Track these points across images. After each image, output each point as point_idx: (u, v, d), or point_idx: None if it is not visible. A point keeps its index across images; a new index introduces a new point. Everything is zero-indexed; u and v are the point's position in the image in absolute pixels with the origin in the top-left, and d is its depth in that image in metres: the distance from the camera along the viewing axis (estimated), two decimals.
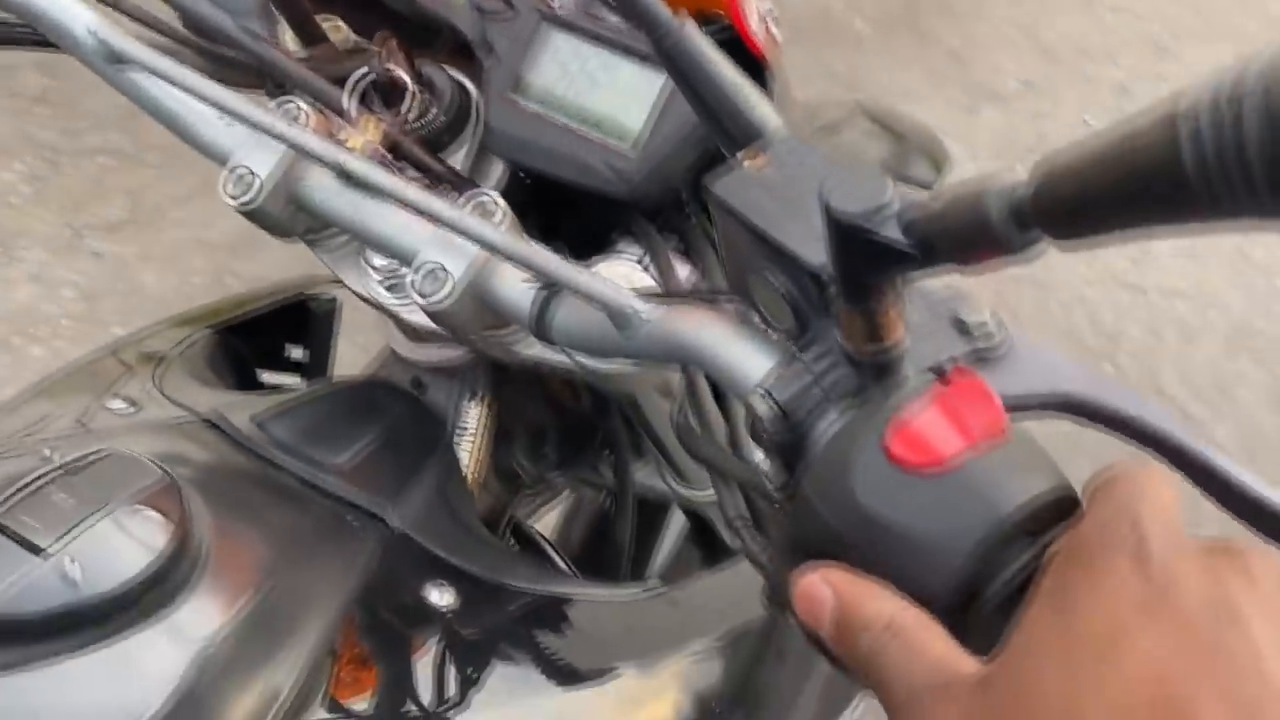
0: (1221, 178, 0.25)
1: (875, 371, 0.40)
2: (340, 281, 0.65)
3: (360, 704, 0.54)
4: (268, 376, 0.84)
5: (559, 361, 0.61)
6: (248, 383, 0.81)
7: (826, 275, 0.39)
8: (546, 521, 1.01)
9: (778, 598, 0.40)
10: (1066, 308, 2.43)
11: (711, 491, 0.87)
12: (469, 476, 0.67)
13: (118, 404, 0.62)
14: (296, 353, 0.89)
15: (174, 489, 0.50)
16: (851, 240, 0.34)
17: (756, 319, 0.44)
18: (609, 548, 0.81)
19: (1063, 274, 2.49)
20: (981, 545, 0.34)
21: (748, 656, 0.71)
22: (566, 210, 0.65)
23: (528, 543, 0.76)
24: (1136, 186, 0.27)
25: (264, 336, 0.85)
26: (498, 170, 0.64)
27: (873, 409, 0.37)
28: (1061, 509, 0.35)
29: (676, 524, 1.07)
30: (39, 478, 0.48)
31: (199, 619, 0.49)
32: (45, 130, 2.89)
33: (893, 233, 0.33)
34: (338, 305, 0.89)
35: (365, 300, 0.63)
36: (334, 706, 0.52)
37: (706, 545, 1.06)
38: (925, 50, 3.51)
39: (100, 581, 0.46)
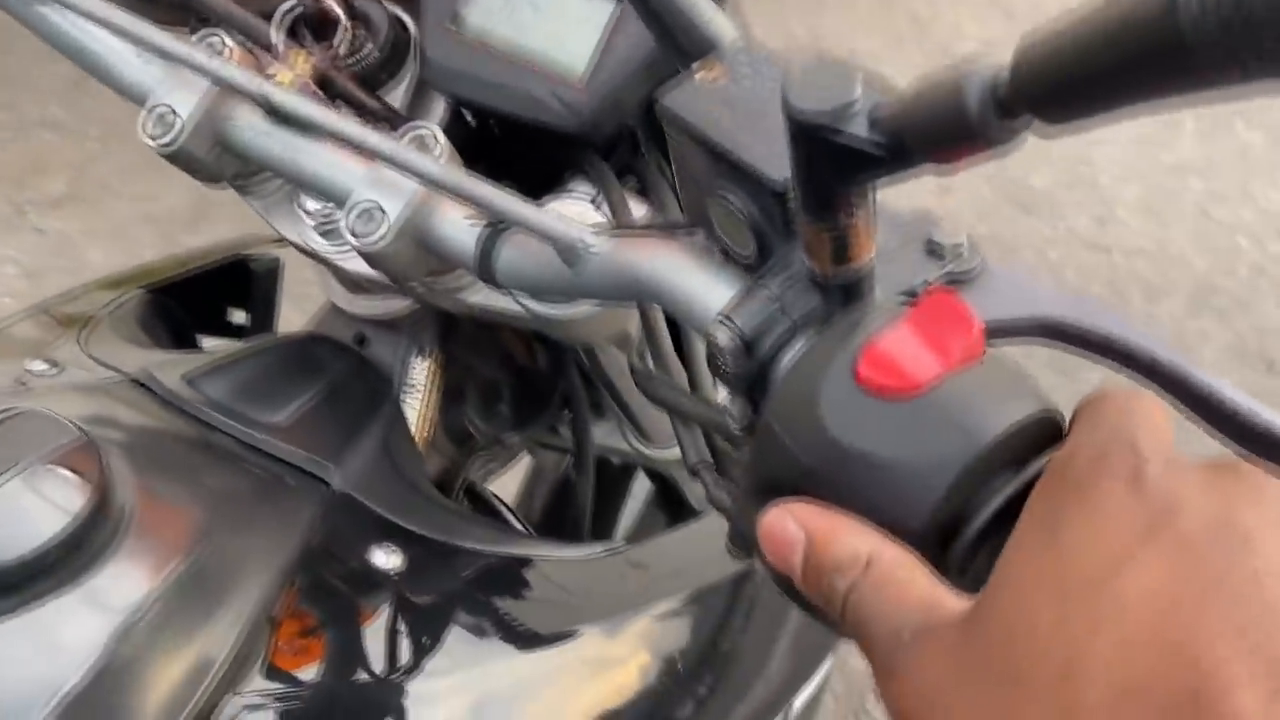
0: (1222, 32, 0.22)
1: (843, 296, 0.37)
2: (282, 240, 0.61)
3: (305, 673, 0.51)
4: (208, 342, 0.80)
5: (508, 309, 0.57)
6: (187, 348, 0.77)
7: (789, 189, 0.36)
8: (507, 491, 0.97)
9: (742, 542, 0.37)
10: (1028, 269, 2.42)
11: (675, 451, 0.84)
12: (417, 436, 0.64)
13: (39, 365, 0.58)
14: (238, 316, 0.85)
15: (92, 448, 0.46)
16: (815, 142, 0.31)
17: (716, 249, 0.41)
18: (570, 513, 0.78)
19: (1025, 234, 2.48)
20: (963, 474, 0.31)
21: (714, 615, 0.69)
22: (513, 152, 0.61)
23: (483, 506, 0.73)
24: (1128, 54, 0.24)
25: (203, 300, 0.81)
26: (439, 108, 0.60)
27: (840, 332, 0.34)
28: (1048, 435, 0.33)
29: (641, 488, 1.05)
30: None
31: (121, 585, 0.45)
32: None
33: (860, 131, 0.30)
34: (280, 266, 0.85)
35: (301, 250, 0.59)
36: (275, 675, 0.49)
37: (672, 508, 1.03)
38: (888, 12, 3.48)
39: (11, 546, 0.42)
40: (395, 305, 0.63)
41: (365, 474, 0.57)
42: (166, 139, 0.52)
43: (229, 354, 0.61)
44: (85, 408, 0.53)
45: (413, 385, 0.65)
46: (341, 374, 0.61)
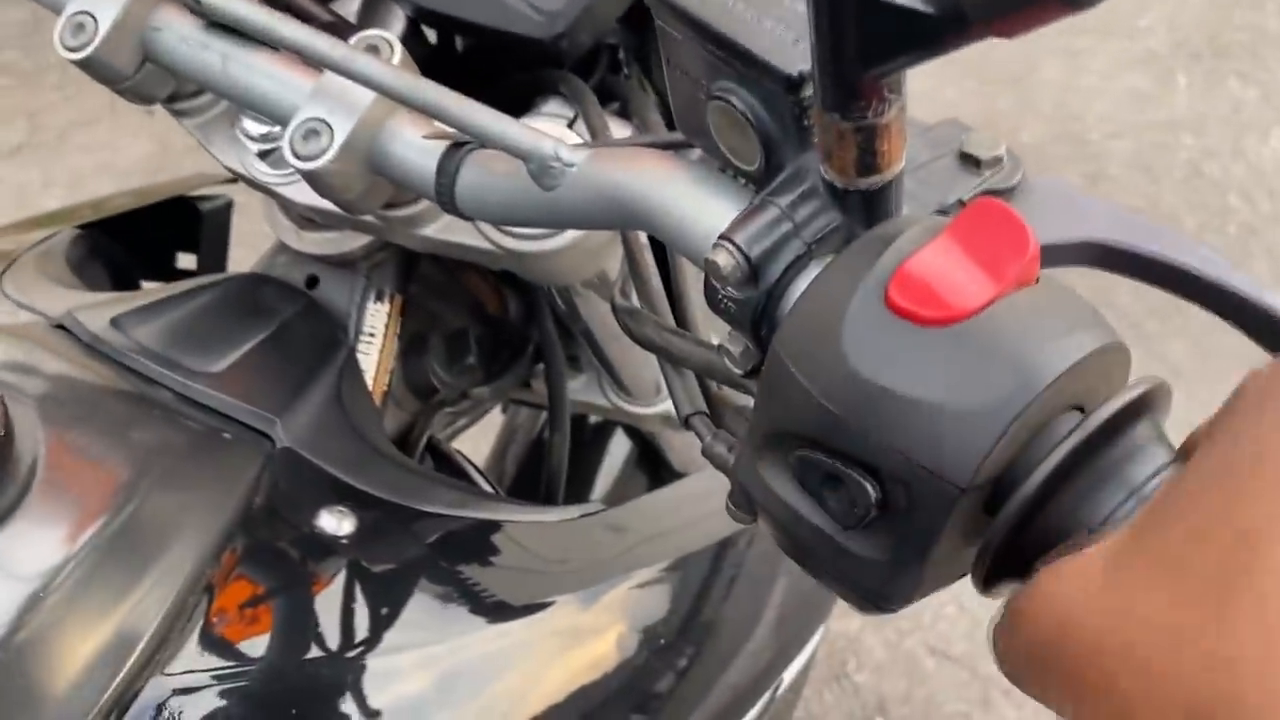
0: None
1: (867, 212, 0.31)
2: (235, 180, 0.55)
3: (246, 648, 0.45)
4: (150, 287, 0.74)
5: (472, 244, 0.51)
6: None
7: (806, 80, 0.30)
8: (478, 451, 0.92)
9: (744, 501, 0.32)
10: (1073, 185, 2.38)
11: (659, 407, 0.79)
12: (374, 388, 0.58)
13: None
14: (187, 260, 0.79)
15: None
16: (845, 10, 0.25)
17: (715, 164, 0.35)
18: (544, 474, 0.72)
19: None
20: (1018, 419, 0.25)
21: (697, 584, 0.63)
22: (477, 72, 0.55)
23: (447, 465, 0.67)
24: None
25: (148, 242, 0.74)
26: (396, 20, 0.54)
27: (866, 249, 0.28)
28: (1117, 375, 0.27)
29: (619, 448, 0.99)
30: None
31: (27, 549, 0.39)
32: None
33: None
34: (231, 207, 0.78)
35: (242, 178, 0.53)
36: (211, 651, 0.43)
37: (653, 470, 0.98)
38: None
39: None
40: (350, 243, 0.57)
41: (313, 429, 0.51)
42: (80, 46, 0.46)
43: (161, 295, 0.55)
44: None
45: (369, 332, 0.58)
46: (289, 318, 0.55)
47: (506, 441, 1.00)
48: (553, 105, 0.53)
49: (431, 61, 0.56)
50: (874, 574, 0.29)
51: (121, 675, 0.40)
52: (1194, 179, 2.40)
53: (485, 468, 0.87)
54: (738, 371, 0.34)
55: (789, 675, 0.68)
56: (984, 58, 2.84)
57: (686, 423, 0.39)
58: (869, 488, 0.27)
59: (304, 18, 0.51)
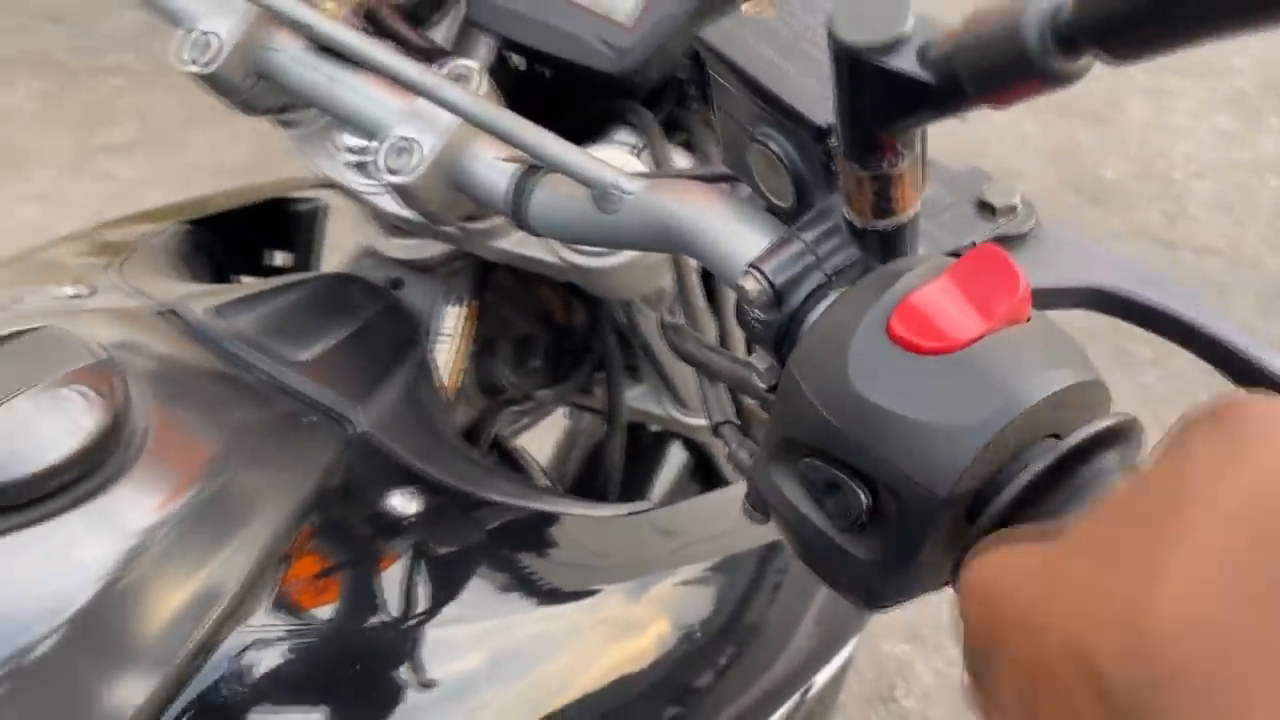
0: None
1: (883, 250, 0.35)
2: (330, 185, 0.60)
3: (316, 612, 0.50)
4: (245, 280, 0.80)
5: (541, 257, 0.56)
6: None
7: (832, 131, 0.34)
8: (542, 452, 0.96)
9: (759, 503, 0.35)
10: (1084, 234, 2.36)
11: None
12: (446, 384, 0.63)
13: (70, 289, 0.58)
14: (279, 259, 0.84)
15: (110, 370, 0.46)
16: (861, 77, 0.29)
17: (755, 199, 0.39)
18: (600, 475, 0.77)
19: (1090, 226, 2.42)
20: (996, 439, 0.29)
21: (741, 585, 0.67)
22: (557, 100, 0.60)
23: (510, 461, 0.72)
24: None
25: (244, 239, 0.80)
26: (483, 49, 0.58)
27: (875, 283, 0.32)
28: (1093, 406, 0.31)
29: (677, 458, 1.03)
30: None
31: (133, 508, 0.44)
32: (59, 49, 2.84)
33: (910, 66, 0.28)
34: (322, 209, 0.84)
35: (336, 186, 0.58)
36: (284, 612, 0.48)
37: (707, 479, 1.02)
38: None
39: (23, 462, 0.42)
40: (431, 250, 0.62)
41: (389, 418, 0.56)
42: (204, 60, 0.51)
43: (259, 288, 0.60)
44: (112, 332, 0.52)
45: (445, 333, 0.63)
46: (372, 316, 0.60)
47: (569, 446, 1.04)
48: (623, 134, 0.57)
49: (518, 86, 0.61)
50: (867, 574, 0.32)
51: (206, 626, 0.45)
52: (1277, 220, 2.36)
53: (548, 469, 0.91)
54: (762, 386, 0.37)
55: (820, 679, 0.71)
56: (1071, 94, 2.83)
57: (716, 430, 0.43)
58: (862, 495, 0.31)
59: (402, 43, 0.56)
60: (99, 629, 0.42)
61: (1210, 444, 0.23)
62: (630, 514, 0.63)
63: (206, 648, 0.45)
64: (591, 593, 0.59)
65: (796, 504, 0.33)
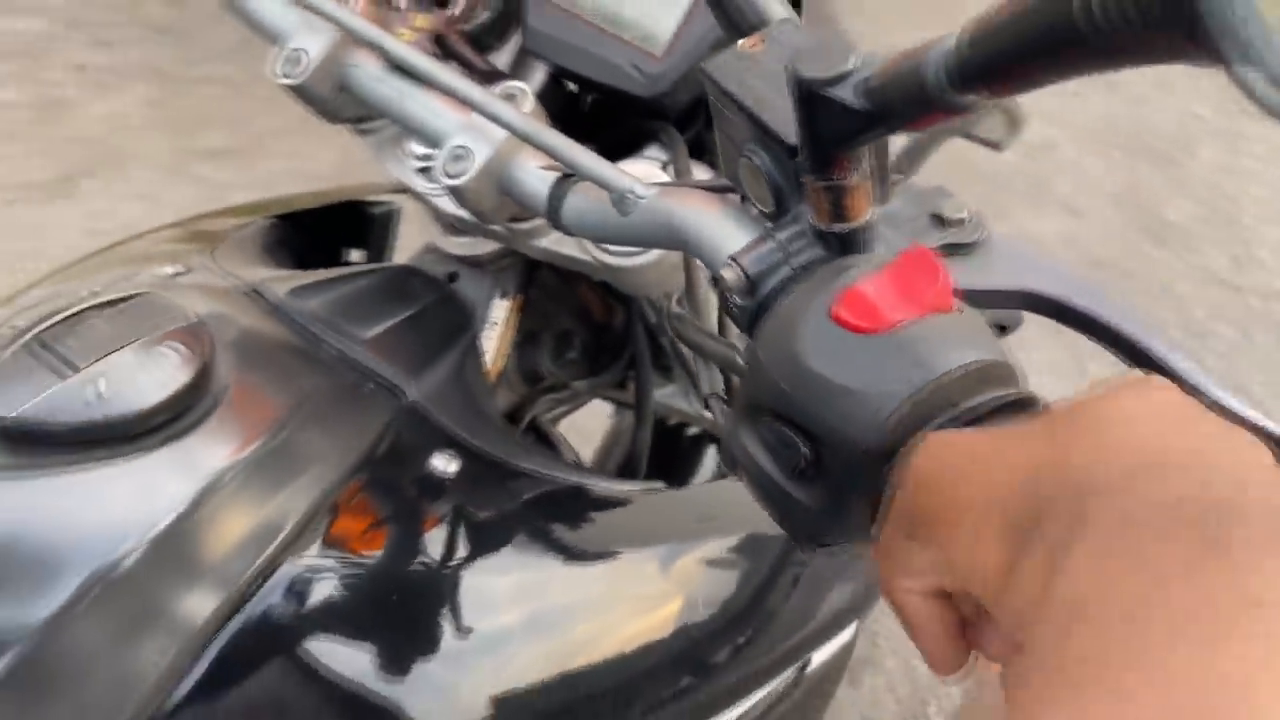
0: (1107, 25, 0.26)
1: (841, 249, 0.41)
2: (403, 190, 0.68)
3: (363, 554, 0.57)
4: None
5: (575, 256, 0.63)
6: None
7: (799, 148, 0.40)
8: (586, 449, 1.03)
9: (729, 459, 0.42)
10: (1153, 299, 2.36)
11: None
12: (491, 368, 0.70)
13: (170, 269, 0.66)
14: (354, 256, 0.93)
15: (201, 333, 0.54)
16: (814, 105, 0.36)
17: (745, 205, 0.46)
18: (629, 460, 0.84)
19: (1153, 266, 2.43)
20: (907, 403, 0.35)
21: (764, 570, 0.72)
22: (602, 120, 0.67)
23: (546, 442, 0.79)
24: (1040, 40, 0.28)
25: (323, 237, 0.89)
26: (539, 73, 0.66)
27: (825, 275, 0.39)
28: (995, 382, 0.37)
29: (712, 460, 1.09)
30: (81, 309, 0.53)
31: (210, 451, 0.52)
32: (165, 59, 3.01)
33: (848, 96, 0.35)
34: (395, 212, 0.92)
35: (405, 190, 0.66)
36: (333, 550, 0.55)
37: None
38: None
39: (123, 404, 0.50)
40: (484, 248, 0.70)
41: (436, 391, 0.64)
42: (295, 75, 0.60)
43: (333, 275, 0.68)
44: (203, 303, 0.60)
45: (492, 322, 0.71)
46: (430, 303, 0.68)
47: (611, 444, 1.11)
48: (653, 150, 0.64)
49: (568, 106, 0.68)
50: (809, 517, 0.39)
51: (265, 555, 0.52)
52: None
53: (590, 465, 0.98)
54: (743, 364, 0.44)
55: (818, 658, 0.76)
56: (1140, 133, 2.83)
57: (706, 402, 0.49)
58: (804, 448, 0.37)
59: (466, 66, 0.64)
60: (174, 551, 0.50)
61: (1110, 394, 0.31)
62: (659, 492, 0.69)
63: (264, 574, 0.52)
64: (620, 563, 0.66)
65: (757, 458, 0.40)
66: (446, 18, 0.63)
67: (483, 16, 0.64)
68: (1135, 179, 2.67)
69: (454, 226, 0.69)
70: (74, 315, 0.52)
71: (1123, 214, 2.58)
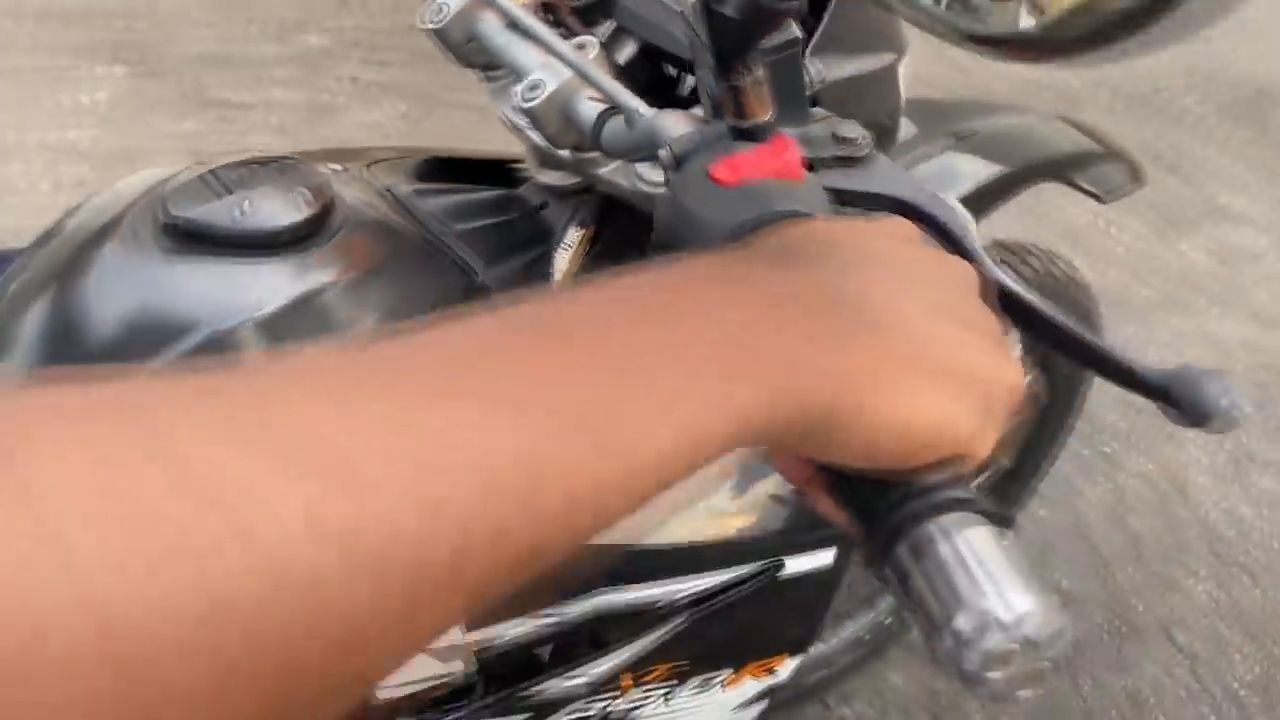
0: None
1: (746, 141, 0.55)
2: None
3: None
4: None
5: (622, 185, 0.79)
6: None
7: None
8: None
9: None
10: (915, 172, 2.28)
11: None
12: (557, 280, 0.87)
13: (332, 167, 0.87)
14: None
15: (326, 189, 0.73)
16: (711, 20, 0.51)
17: (704, 116, 0.61)
18: None
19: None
20: (736, 229, 0.49)
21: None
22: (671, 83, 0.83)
23: None
24: None
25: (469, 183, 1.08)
26: (629, 47, 0.83)
27: (717, 150, 0.53)
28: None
29: None
30: (246, 159, 0.73)
31: (315, 271, 0.71)
32: (428, 82, 3.40)
33: (730, 11, 0.50)
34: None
35: (508, 126, 0.84)
36: None
37: None
38: (1263, 144, 3.33)
39: (258, 222, 0.69)
40: (567, 181, 0.87)
41: (505, 280, 0.81)
42: (436, 20, 0.79)
43: (449, 187, 0.87)
44: (344, 182, 0.80)
45: (567, 244, 0.87)
46: (517, 218, 0.86)
47: None
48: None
49: (656, 75, 0.85)
50: None
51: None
52: None
53: None
54: None
55: (792, 565, 0.87)
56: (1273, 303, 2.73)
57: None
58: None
59: (566, 29, 0.82)
60: (273, 331, 0.69)
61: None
62: None
63: None
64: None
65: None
66: None
67: None
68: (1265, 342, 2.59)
69: (546, 163, 0.87)
70: (241, 161, 0.73)
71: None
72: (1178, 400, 0.48)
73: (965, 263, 0.44)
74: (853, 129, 0.57)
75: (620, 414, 0.32)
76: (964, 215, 0.54)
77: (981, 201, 1.18)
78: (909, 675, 1.92)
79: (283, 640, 0.24)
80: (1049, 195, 2.97)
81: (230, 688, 0.23)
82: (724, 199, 0.50)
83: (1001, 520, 0.38)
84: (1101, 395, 2.35)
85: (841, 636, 1.91)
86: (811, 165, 0.57)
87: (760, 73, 0.53)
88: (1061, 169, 1.25)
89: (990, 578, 0.36)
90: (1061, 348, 0.52)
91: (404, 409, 0.28)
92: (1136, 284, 2.79)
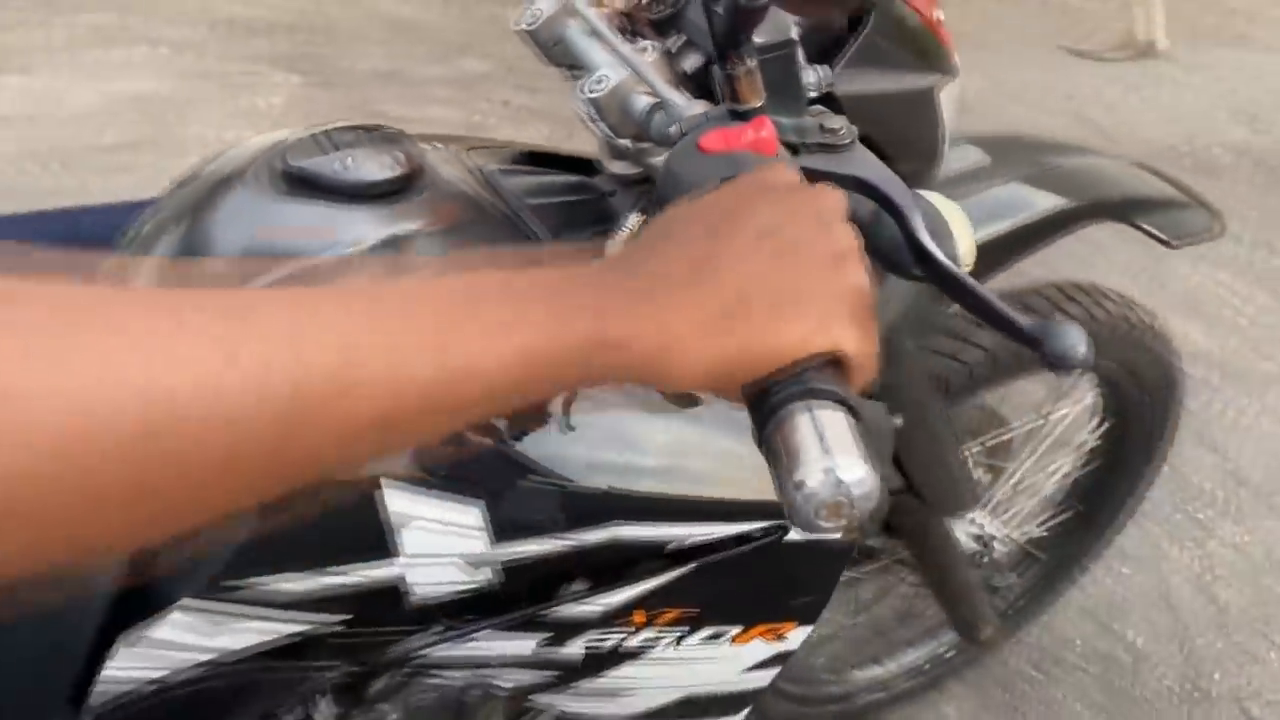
0: None
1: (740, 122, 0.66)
2: None
3: None
4: None
5: None
6: None
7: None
8: None
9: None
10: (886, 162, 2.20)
11: None
12: None
13: (437, 146, 1.01)
14: None
15: (416, 155, 0.87)
16: (709, 13, 0.62)
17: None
18: None
19: None
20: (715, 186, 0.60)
21: None
22: None
23: None
24: None
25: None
26: (693, 57, 0.94)
27: (707, 126, 0.64)
28: None
29: None
30: (353, 125, 0.87)
31: (406, 219, 0.84)
32: (570, 109, 3.59)
33: (720, 9, 0.60)
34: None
35: (580, 118, 0.97)
36: None
37: None
38: None
39: (356, 175, 0.83)
40: (630, 171, 0.98)
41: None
42: (528, 22, 0.92)
43: (531, 169, 1.00)
44: (437, 155, 0.94)
45: (627, 227, 0.99)
46: (587, 202, 0.98)
47: None
48: None
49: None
50: None
51: None
52: None
53: None
54: None
55: (796, 532, 0.96)
56: None
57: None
58: None
59: (639, 36, 0.94)
60: (368, 264, 0.82)
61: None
62: None
63: None
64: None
65: None
66: (636, 3, 0.94)
67: (665, 9, 0.94)
68: None
69: (614, 154, 0.99)
70: (349, 126, 0.87)
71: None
72: (1046, 348, 0.56)
73: (833, 194, 0.54)
74: (838, 122, 0.67)
75: (465, 330, 0.44)
76: (928, 202, 0.64)
77: (1040, 234, 1.24)
78: (962, 711, 1.95)
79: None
80: (1172, 262, 2.94)
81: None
82: (704, 163, 0.61)
83: (853, 410, 0.48)
84: (1200, 463, 2.33)
85: (901, 662, 1.95)
86: (796, 149, 0.67)
87: (752, 64, 0.64)
88: (1127, 211, 1.29)
89: (835, 448, 0.46)
90: (953, 294, 0.61)
91: (301, 308, 0.42)
92: (1256, 356, 2.74)
